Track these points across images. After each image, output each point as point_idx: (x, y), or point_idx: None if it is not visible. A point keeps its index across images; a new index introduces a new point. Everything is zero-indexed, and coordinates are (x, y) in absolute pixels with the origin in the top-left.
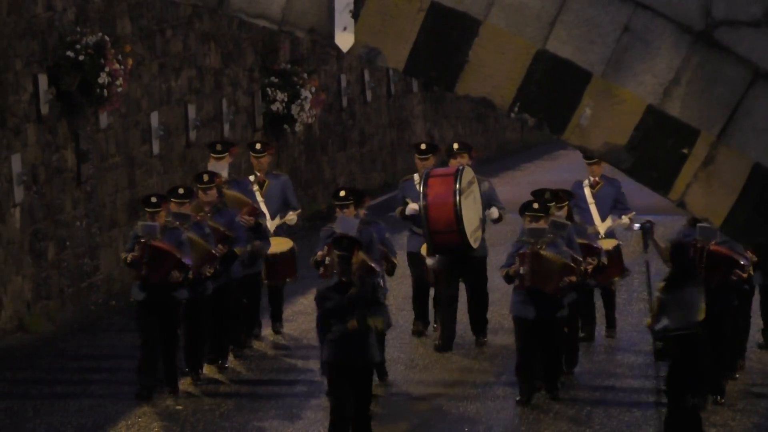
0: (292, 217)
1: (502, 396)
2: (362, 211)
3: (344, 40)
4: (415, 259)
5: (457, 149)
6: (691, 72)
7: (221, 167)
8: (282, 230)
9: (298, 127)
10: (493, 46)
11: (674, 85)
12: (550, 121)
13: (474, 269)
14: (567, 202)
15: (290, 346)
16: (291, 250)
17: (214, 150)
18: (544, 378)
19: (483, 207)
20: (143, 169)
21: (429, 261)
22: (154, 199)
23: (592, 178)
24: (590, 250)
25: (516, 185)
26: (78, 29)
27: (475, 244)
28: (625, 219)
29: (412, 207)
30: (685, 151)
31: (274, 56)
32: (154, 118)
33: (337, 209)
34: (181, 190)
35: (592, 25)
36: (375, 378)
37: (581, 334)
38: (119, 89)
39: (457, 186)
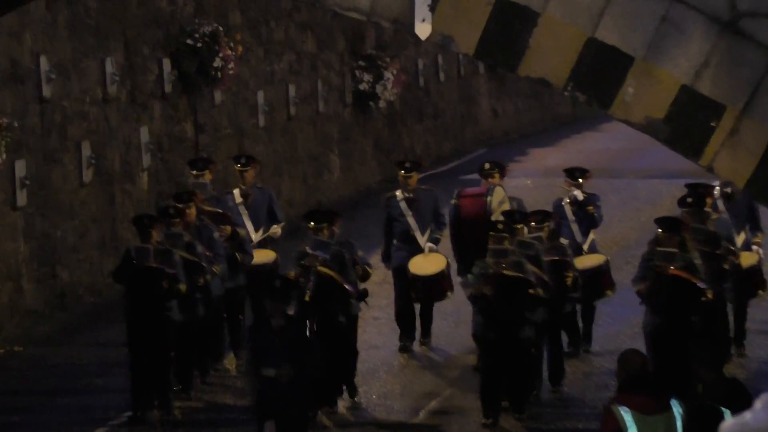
0: (276, 230)
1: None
2: (336, 230)
3: (423, 29)
4: (400, 273)
5: (488, 169)
6: (719, 56)
7: (202, 184)
8: (267, 243)
9: (382, 103)
10: (551, 34)
11: (704, 67)
12: (599, 98)
13: None
14: (547, 224)
15: None
16: (274, 262)
17: (194, 167)
18: (509, 398)
19: None
20: (251, 138)
21: (460, 280)
22: (146, 221)
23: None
24: (564, 266)
25: (567, 152)
26: (196, 20)
27: None
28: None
29: (430, 246)
30: (714, 123)
31: (362, 43)
32: (260, 96)
33: (311, 232)
34: (171, 210)
35: (634, 16)
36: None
37: (567, 350)
38: (231, 71)
39: (489, 202)
